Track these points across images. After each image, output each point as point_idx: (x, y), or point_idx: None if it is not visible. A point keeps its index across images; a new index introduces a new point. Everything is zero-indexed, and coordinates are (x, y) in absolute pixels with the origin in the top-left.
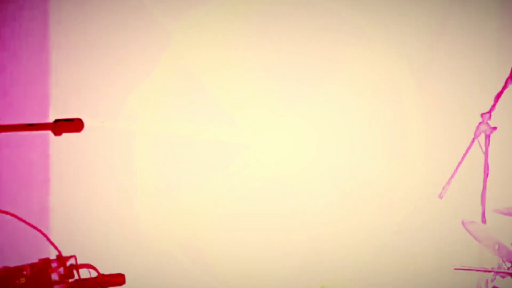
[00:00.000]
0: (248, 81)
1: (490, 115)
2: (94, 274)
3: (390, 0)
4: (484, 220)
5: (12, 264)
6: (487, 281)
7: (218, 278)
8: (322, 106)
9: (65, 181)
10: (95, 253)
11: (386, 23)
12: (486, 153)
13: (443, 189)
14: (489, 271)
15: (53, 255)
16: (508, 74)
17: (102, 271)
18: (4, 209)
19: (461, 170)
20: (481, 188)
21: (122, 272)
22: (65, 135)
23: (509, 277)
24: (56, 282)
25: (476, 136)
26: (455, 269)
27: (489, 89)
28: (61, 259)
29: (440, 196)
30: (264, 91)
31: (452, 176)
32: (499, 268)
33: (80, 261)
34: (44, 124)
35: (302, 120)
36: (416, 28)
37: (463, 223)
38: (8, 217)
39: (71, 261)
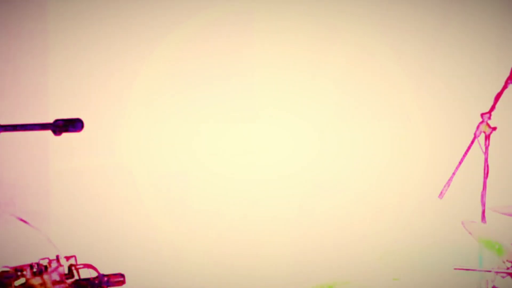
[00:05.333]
0: (248, 81)
1: (490, 115)
2: (94, 274)
3: (390, 0)
4: (484, 220)
5: (12, 264)
6: (487, 281)
7: (218, 278)
8: (322, 106)
9: (65, 181)
10: (95, 253)
11: (386, 23)
12: (486, 153)
13: (443, 189)
14: (489, 271)
15: (53, 255)
16: (508, 74)
17: (102, 271)
18: (4, 209)
19: (461, 170)
20: (481, 188)
21: (122, 272)
22: (65, 135)
23: (509, 277)
24: (56, 282)
25: (476, 136)
26: (455, 269)
27: (489, 89)
28: (61, 259)
29: (440, 196)
30: (264, 91)
31: (452, 176)
32: (499, 268)
33: (80, 261)
34: (44, 124)
35: (302, 120)
36: (416, 28)
37: (463, 223)
38: (9, 217)
39: (71, 261)
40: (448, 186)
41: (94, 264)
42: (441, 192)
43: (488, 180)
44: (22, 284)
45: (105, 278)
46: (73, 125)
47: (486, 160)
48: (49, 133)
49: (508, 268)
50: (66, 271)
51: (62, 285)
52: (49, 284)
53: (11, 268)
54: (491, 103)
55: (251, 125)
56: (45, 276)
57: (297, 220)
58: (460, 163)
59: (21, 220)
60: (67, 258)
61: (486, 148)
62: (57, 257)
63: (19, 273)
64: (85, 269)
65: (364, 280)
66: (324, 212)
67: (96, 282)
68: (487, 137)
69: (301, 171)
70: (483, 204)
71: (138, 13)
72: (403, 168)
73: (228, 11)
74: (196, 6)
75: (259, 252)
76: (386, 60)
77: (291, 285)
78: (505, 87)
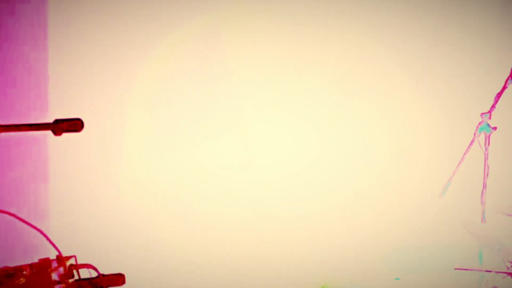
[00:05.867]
0: (248, 81)
1: (490, 115)
2: (94, 274)
3: (390, 0)
4: (484, 220)
5: (12, 264)
6: (487, 281)
7: (218, 278)
8: (322, 106)
9: (65, 181)
10: (95, 253)
11: (386, 24)
12: (486, 153)
13: (443, 189)
14: (489, 271)
15: (53, 255)
16: (508, 74)
17: (102, 271)
18: (4, 209)
19: (461, 170)
20: (481, 188)
21: (122, 272)
22: (65, 135)
23: (509, 277)
24: (56, 282)
25: (476, 136)
26: (455, 269)
27: (489, 89)
28: (61, 259)
29: (440, 196)
30: (264, 91)
31: (452, 176)
32: (499, 268)
33: (80, 261)
34: (44, 124)
35: (303, 120)
36: (416, 28)
37: (463, 223)
38: (8, 217)
39: (71, 261)
40: (448, 186)
41: (94, 264)
42: (441, 192)
43: (488, 180)
44: (22, 284)
45: (105, 278)
46: (73, 125)
47: (486, 160)
48: (49, 133)
49: (508, 268)
50: (66, 271)
51: (62, 285)
52: (49, 283)
53: (11, 268)
54: (491, 103)
55: (251, 125)
56: (45, 276)
57: (297, 220)
58: (460, 163)
59: (21, 220)
60: (67, 258)
61: (486, 148)
62: (57, 257)
63: (19, 273)
64: (85, 269)
65: (364, 280)
66: (324, 212)
67: (96, 282)
68: (487, 137)
69: (301, 171)
70: (483, 204)
71: (140, 13)
72: (403, 168)
73: (229, 11)
74: (196, 7)
75: (259, 252)
76: (386, 60)
77: (291, 285)
78: (505, 87)
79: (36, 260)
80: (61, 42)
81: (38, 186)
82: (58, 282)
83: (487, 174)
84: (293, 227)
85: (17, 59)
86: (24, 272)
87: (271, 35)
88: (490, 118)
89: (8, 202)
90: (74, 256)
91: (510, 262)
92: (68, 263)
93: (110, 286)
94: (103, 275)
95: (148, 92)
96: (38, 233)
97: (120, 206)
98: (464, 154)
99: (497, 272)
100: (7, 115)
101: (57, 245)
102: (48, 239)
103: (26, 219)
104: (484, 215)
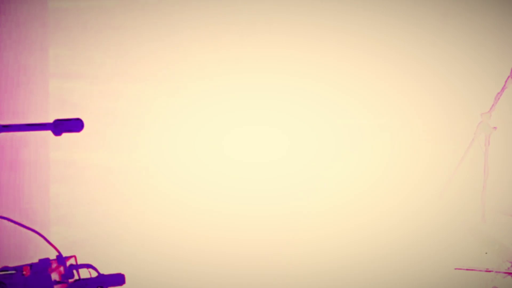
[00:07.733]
0: (248, 81)
1: (490, 115)
2: (94, 274)
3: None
4: (484, 220)
5: (12, 264)
6: (487, 281)
7: (218, 278)
8: (321, 106)
9: (65, 181)
10: (95, 253)
11: (386, 22)
12: (486, 153)
13: (443, 189)
14: (489, 271)
15: (53, 255)
16: (508, 74)
17: (102, 271)
18: (4, 209)
19: (461, 170)
20: (481, 188)
21: (122, 272)
22: (65, 135)
23: (509, 277)
24: (56, 282)
25: (476, 136)
26: (455, 269)
27: (489, 89)
28: (61, 259)
29: (440, 197)
30: (264, 91)
31: (452, 176)
32: (499, 268)
33: (80, 261)
34: (44, 124)
35: (301, 120)
36: (416, 27)
37: (463, 223)
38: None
39: (71, 261)
40: (448, 186)
41: (94, 264)
42: (441, 193)
43: (488, 180)
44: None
45: (105, 278)
46: (73, 125)
47: (486, 160)
48: (49, 133)
49: (508, 268)
50: (66, 271)
51: (62, 285)
52: (49, 284)
53: (11, 268)
54: (491, 103)
55: (251, 125)
56: (45, 276)
57: (296, 220)
58: (460, 163)
59: (17, 223)
60: (67, 258)
61: (486, 148)
62: (57, 257)
63: (19, 273)
64: (85, 269)
65: (365, 280)
66: (324, 212)
67: (96, 282)
68: (487, 137)
69: (300, 171)
70: (483, 204)
71: (140, 13)
72: (403, 168)
73: (229, 13)
74: (202, 6)
75: (258, 252)
76: (385, 60)
77: (290, 285)
78: (505, 87)
79: (36, 260)
80: (62, 42)
81: (38, 186)
82: (58, 282)
83: (487, 174)
84: (292, 227)
85: (17, 59)
86: (24, 272)
87: (271, 36)
88: (490, 118)
89: (8, 203)
90: (74, 256)
91: (510, 262)
92: (68, 263)
93: (110, 286)
94: (103, 275)
95: (148, 92)
96: (36, 234)
97: (121, 206)
98: (464, 154)
99: (497, 272)
100: (7, 115)
101: (57, 245)
102: (46, 240)
103: (26, 219)
104: (484, 215)
